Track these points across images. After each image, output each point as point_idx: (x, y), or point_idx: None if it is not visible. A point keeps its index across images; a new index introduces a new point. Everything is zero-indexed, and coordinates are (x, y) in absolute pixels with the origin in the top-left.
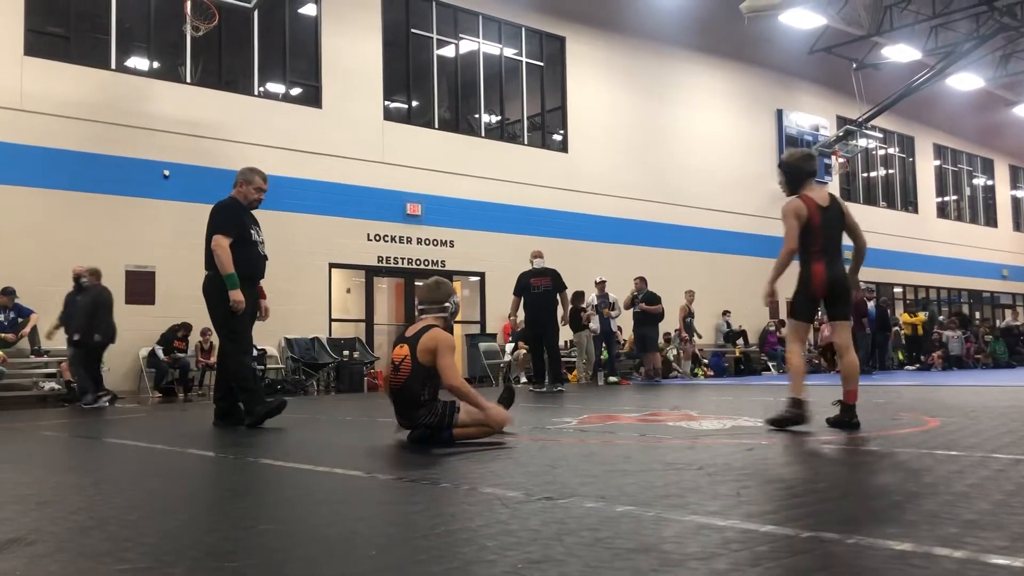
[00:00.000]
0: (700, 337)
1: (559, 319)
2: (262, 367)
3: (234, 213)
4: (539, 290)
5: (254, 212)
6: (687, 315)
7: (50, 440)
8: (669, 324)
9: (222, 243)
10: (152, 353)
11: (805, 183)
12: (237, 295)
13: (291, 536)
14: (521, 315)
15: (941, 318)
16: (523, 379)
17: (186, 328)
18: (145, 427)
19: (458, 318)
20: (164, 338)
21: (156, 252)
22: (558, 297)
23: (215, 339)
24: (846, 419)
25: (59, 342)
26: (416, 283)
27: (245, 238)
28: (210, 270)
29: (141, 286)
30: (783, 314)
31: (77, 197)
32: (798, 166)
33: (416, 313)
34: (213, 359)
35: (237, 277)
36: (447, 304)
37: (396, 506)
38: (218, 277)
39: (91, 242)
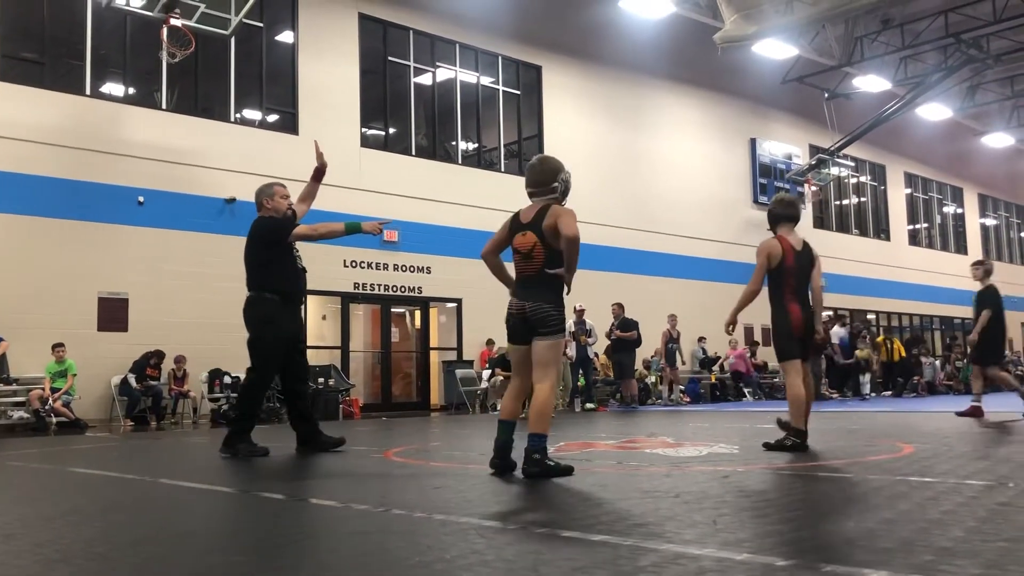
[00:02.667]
0: (684, 364)
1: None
2: (236, 395)
3: (285, 221)
4: None
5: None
6: (669, 340)
7: (17, 470)
8: (646, 351)
9: (303, 231)
10: (124, 381)
11: (781, 225)
12: (369, 226)
13: (263, 567)
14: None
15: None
16: (499, 406)
17: (159, 355)
18: (116, 456)
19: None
20: (137, 365)
21: (130, 279)
22: None
23: (188, 367)
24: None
25: (31, 369)
26: (392, 310)
27: (286, 250)
28: (252, 291)
29: (114, 313)
30: (743, 341)
31: (50, 223)
32: (771, 210)
33: (528, 197)
34: (186, 387)
35: (353, 224)
36: (555, 184)
37: (371, 536)
38: (258, 299)
39: (64, 268)
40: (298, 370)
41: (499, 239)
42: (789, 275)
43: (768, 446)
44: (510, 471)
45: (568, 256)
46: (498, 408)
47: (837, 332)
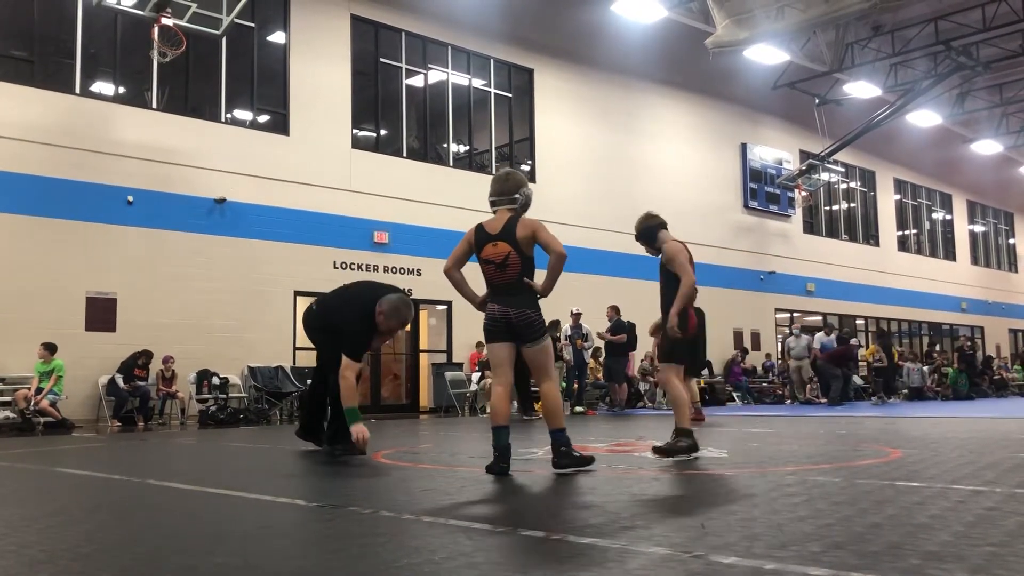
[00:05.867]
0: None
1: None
2: (224, 396)
3: (365, 340)
4: None
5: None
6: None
7: (3, 471)
8: (640, 354)
9: (350, 375)
10: (112, 381)
11: (662, 231)
12: (359, 429)
13: (250, 569)
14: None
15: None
16: (489, 409)
17: (147, 356)
18: (103, 457)
19: (527, 211)
20: (124, 366)
21: (118, 278)
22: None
23: (176, 367)
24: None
25: (19, 369)
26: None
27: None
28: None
29: (102, 313)
30: (733, 346)
31: (39, 222)
32: (647, 226)
33: (489, 205)
34: (174, 387)
35: (358, 411)
36: (516, 196)
37: (359, 538)
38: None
39: (52, 268)
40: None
41: (461, 253)
42: None
43: (660, 451)
44: (507, 473)
45: (554, 270)
46: (488, 410)
47: (820, 339)
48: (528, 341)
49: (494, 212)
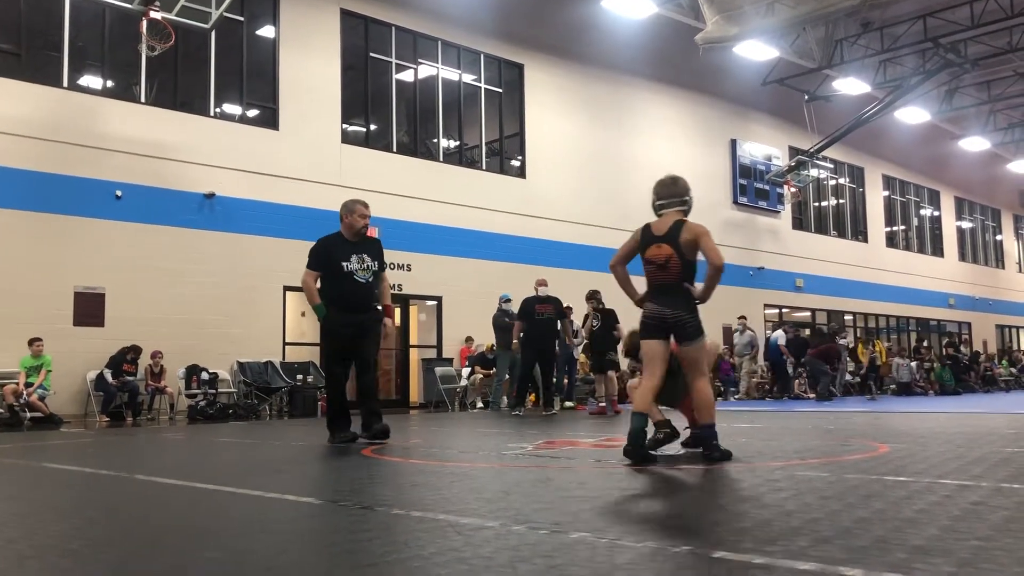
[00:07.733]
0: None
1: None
2: (213, 391)
3: (320, 249)
4: (544, 316)
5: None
6: None
7: None
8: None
9: (305, 279)
10: (100, 376)
11: None
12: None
13: (238, 565)
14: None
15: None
16: (479, 404)
17: (136, 351)
18: (91, 452)
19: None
20: (113, 361)
21: (106, 273)
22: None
23: (165, 362)
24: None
25: (5, 364)
26: None
27: (335, 270)
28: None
29: (90, 308)
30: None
31: (27, 217)
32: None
33: (655, 209)
34: (163, 382)
35: (323, 307)
36: (687, 198)
37: (348, 534)
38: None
39: (40, 262)
40: (357, 366)
41: (628, 251)
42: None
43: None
44: (644, 460)
45: (712, 280)
46: (478, 406)
47: (775, 335)
48: (682, 340)
49: (659, 215)
